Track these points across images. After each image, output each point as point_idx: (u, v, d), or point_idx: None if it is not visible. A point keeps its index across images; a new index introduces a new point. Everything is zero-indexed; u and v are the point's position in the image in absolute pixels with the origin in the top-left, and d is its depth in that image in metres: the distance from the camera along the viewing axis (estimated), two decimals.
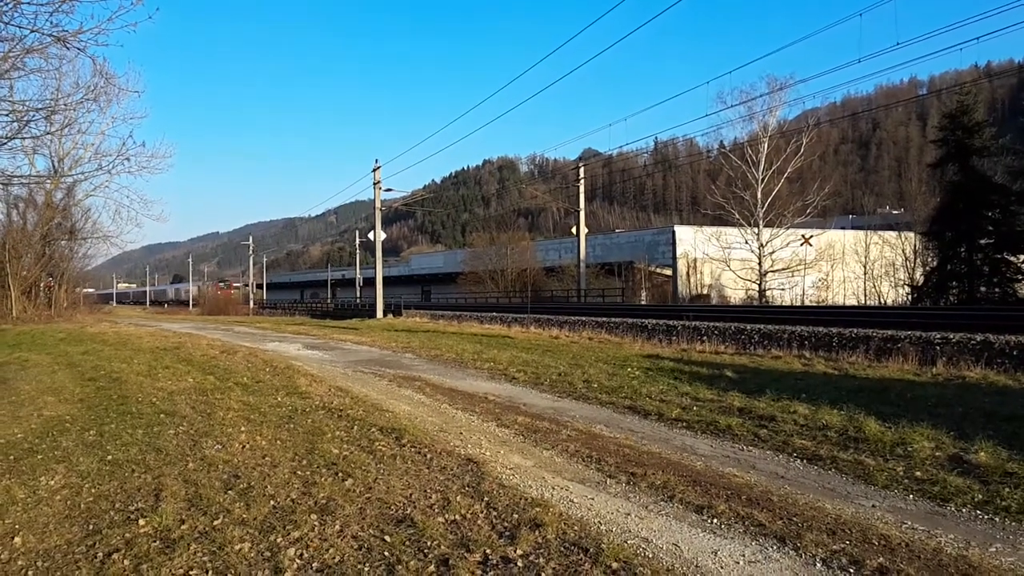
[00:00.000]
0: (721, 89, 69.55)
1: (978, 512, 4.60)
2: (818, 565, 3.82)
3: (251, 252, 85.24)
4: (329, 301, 71.89)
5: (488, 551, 4.00)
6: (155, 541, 4.29)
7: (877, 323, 15.90)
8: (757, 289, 36.03)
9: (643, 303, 42.25)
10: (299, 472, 5.77)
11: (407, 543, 4.14)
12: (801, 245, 36.32)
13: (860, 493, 5.13)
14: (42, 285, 40.84)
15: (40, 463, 6.31)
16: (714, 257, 39.97)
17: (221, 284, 74.18)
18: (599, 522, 4.53)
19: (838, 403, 7.90)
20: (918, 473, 5.45)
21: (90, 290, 75.27)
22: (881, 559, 3.84)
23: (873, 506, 4.80)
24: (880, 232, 43.74)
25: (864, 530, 4.29)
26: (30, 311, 35.96)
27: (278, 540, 4.23)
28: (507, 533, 4.28)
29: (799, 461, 6.06)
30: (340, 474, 5.66)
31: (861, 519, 4.51)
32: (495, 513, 4.67)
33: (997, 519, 4.46)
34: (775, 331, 15.81)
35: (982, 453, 5.70)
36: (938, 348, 12.22)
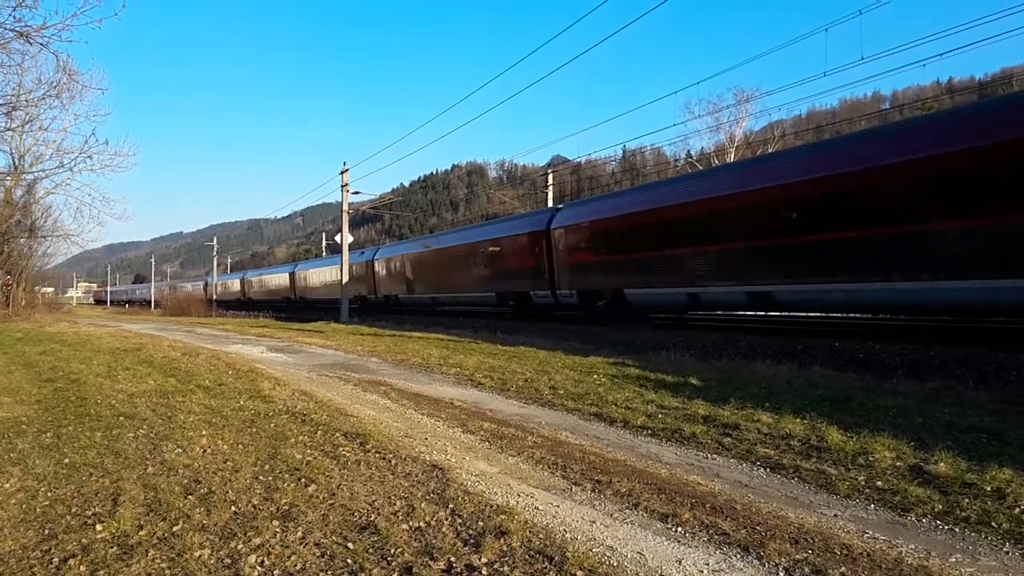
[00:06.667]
0: (689, 99, 70.23)
1: (938, 522, 4.66)
2: (781, 574, 3.84)
3: (215, 253, 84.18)
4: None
5: (453, 559, 3.97)
6: (112, 547, 4.19)
7: (840, 332, 16.15)
8: None
9: None
10: (261, 477, 5.69)
11: (370, 550, 4.10)
12: None
13: (822, 502, 5.17)
14: None
15: None
16: None
17: None
18: (564, 530, 4.52)
19: (801, 412, 7.98)
20: (879, 483, 5.51)
21: (49, 289, 73.61)
22: (843, 568, 3.87)
23: (835, 515, 4.84)
24: None
25: (826, 539, 4.33)
26: None
27: (239, 547, 4.16)
28: (472, 541, 4.25)
29: (763, 470, 6.10)
30: (303, 480, 5.59)
31: (823, 528, 4.55)
32: (460, 520, 4.63)
33: (957, 529, 4.52)
34: (739, 339, 15.96)
35: (942, 463, 5.78)
36: (899, 358, 12.42)
